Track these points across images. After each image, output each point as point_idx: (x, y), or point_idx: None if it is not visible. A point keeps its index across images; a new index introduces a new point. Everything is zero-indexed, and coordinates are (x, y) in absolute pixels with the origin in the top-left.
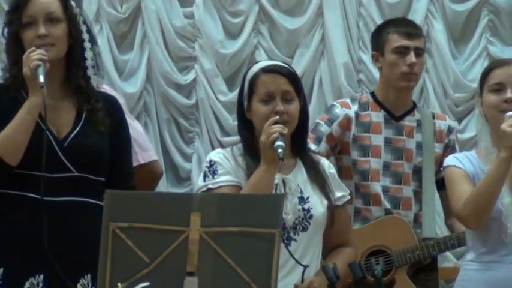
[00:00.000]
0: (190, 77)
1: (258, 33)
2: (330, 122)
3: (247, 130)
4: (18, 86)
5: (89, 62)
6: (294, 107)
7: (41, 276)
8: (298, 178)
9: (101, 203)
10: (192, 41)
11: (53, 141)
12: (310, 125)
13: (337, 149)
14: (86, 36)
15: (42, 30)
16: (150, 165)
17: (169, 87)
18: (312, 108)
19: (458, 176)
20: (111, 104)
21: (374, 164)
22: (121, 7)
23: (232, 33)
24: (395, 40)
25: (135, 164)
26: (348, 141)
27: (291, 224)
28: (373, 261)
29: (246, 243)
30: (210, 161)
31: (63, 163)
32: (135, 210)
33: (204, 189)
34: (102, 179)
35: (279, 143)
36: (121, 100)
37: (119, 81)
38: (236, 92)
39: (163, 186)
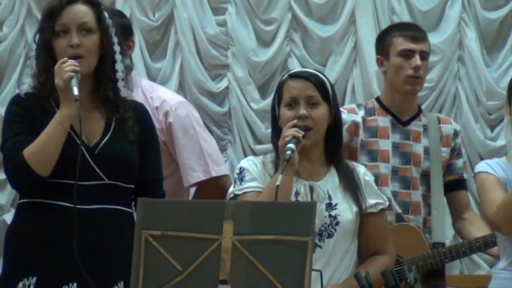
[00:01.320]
0: (222, 84)
1: (290, 41)
2: None
3: (278, 137)
4: (46, 94)
5: (119, 75)
6: (320, 112)
7: (74, 284)
8: (328, 185)
9: (131, 210)
10: (224, 48)
11: (83, 149)
12: None
13: (346, 155)
14: (117, 48)
15: (75, 39)
16: (220, 179)
17: (202, 95)
18: None
19: (490, 182)
20: (140, 112)
21: (383, 168)
22: (153, 15)
23: (264, 41)
24: (400, 43)
25: (206, 177)
26: (356, 146)
27: (317, 231)
28: (406, 268)
29: (278, 251)
30: (240, 168)
31: (94, 171)
32: (167, 218)
33: (231, 195)
34: (133, 186)
35: (289, 145)
36: (194, 113)
37: None
38: (268, 100)
39: None
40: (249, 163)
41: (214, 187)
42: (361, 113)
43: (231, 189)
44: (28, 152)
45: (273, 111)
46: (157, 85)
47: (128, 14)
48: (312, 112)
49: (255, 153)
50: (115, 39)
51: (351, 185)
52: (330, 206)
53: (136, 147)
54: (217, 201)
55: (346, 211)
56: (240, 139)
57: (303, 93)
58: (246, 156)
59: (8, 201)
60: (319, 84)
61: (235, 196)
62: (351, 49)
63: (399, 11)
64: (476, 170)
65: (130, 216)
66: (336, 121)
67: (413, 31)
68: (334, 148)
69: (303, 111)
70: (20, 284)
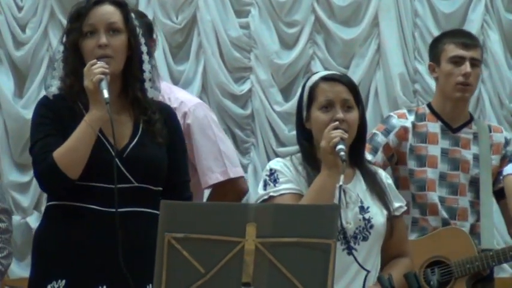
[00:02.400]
0: (245, 87)
1: (313, 43)
2: (386, 133)
3: (306, 139)
4: (74, 96)
5: (147, 75)
6: (354, 115)
7: (104, 287)
8: (358, 188)
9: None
10: (247, 51)
11: (112, 152)
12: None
13: (394, 159)
14: (144, 48)
15: (103, 39)
16: (237, 180)
17: (225, 98)
18: (367, 118)
19: None
20: (167, 114)
21: (430, 174)
22: (176, 17)
23: (287, 44)
24: (451, 50)
25: (225, 178)
26: (405, 151)
27: (352, 234)
28: (429, 271)
29: (301, 254)
30: (271, 170)
31: (123, 174)
32: (190, 220)
33: (266, 197)
34: (161, 188)
35: (340, 146)
36: (212, 115)
37: None
38: (292, 103)
39: None
40: (280, 165)
41: (230, 188)
42: (412, 118)
43: (261, 190)
44: (58, 154)
45: (299, 113)
46: (175, 87)
47: (150, 16)
48: (347, 116)
49: (278, 156)
50: (142, 40)
51: (377, 189)
52: (362, 209)
53: (164, 150)
54: (240, 203)
55: (378, 214)
56: (263, 142)
57: (338, 96)
58: (269, 159)
59: (31, 204)
60: (353, 87)
61: (271, 197)
62: (374, 52)
63: (422, 14)
64: (504, 173)
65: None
66: (361, 124)
67: (465, 38)
68: (358, 151)
69: (340, 114)
70: (49, 287)
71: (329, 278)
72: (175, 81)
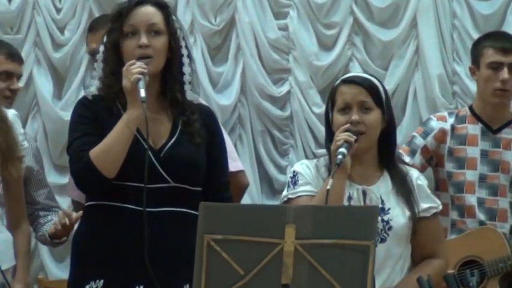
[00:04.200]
0: (284, 89)
1: (352, 45)
2: (425, 135)
3: (331, 141)
4: (113, 96)
5: (186, 78)
6: (372, 117)
7: (141, 287)
8: (381, 189)
9: (197, 213)
10: (286, 53)
11: (149, 152)
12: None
13: (434, 161)
14: (184, 51)
15: (143, 40)
16: (237, 174)
17: (264, 100)
18: (406, 120)
19: None
20: (206, 115)
21: (469, 176)
22: (215, 19)
23: (326, 45)
24: (490, 55)
25: None
26: (443, 153)
27: None
28: (468, 272)
29: (340, 255)
30: (293, 172)
31: (160, 174)
32: (229, 222)
33: (285, 199)
34: (199, 189)
35: (341, 149)
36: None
37: (213, 93)
38: None
39: (258, 198)
40: (303, 167)
41: (231, 182)
42: (451, 120)
43: (284, 192)
44: (94, 153)
45: (327, 116)
46: None
47: (189, 18)
48: (365, 117)
49: (316, 157)
50: (183, 43)
51: (404, 190)
52: (382, 211)
53: (203, 150)
54: (279, 205)
55: (398, 216)
56: (302, 143)
57: (355, 98)
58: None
59: (70, 205)
60: (371, 89)
61: (289, 200)
62: (413, 53)
63: (460, 15)
64: None
65: (197, 219)
66: (389, 126)
67: (505, 42)
68: (387, 153)
69: (355, 116)
70: (87, 287)
71: (368, 279)
72: (214, 83)
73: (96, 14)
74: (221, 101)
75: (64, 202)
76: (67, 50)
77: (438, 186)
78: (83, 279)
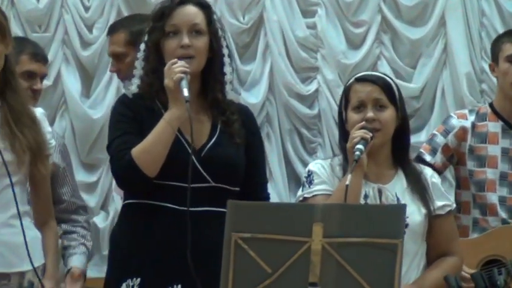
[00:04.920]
0: (312, 87)
1: (380, 43)
2: (445, 133)
3: (345, 141)
4: (153, 94)
5: (227, 77)
6: (387, 114)
7: (179, 286)
8: (397, 187)
9: None
10: (314, 51)
11: (190, 151)
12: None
13: (454, 160)
14: (225, 51)
15: (185, 40)
16: None
17: (292, 98)
18: (434, 118)
19: None
20: (246, 115)
21: (490, 174)
22: (243, 18)
23: (354, 44)
24: (508, 49)
25: None
26: (464, 151)
27: None
28: (496, 271)
29: (368, 254)
30: (308, 171)
31: (200, 173)
32: (257, 220)
33: (300, 199)
34: (238, 189)
35: (358, 146)
36: None
37: (241, 91)
38: None
39: (286, 196)
40: (318, 166)
41: None
42: (472, 118)
43: (299, 192)
44: (136, 151)
45: (340, 115)
46: None
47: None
48: (379, 115)
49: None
50: (224, 43)
51: (419, 187)
52: None
53: (242, 150)
54: (306, 203)
55: (414, 213)
56: (330, 141)
57: (370, 96)
58: None
59: (98, 203)
60: (385, 87)
61: (305, 199)
62: (441, 51)
63: (489, 13)
64: None
65: None
66: (403, 123)
67: None
68: (401, 151)
69: (370, 114)
70: (124, 285)
71: (396, 278)
72: (242, 81)
73: (125, 12)
74: (249, 99)
75: (92, 200)
76: (95, 49)
77: (459, 185)
78: (120, 276)
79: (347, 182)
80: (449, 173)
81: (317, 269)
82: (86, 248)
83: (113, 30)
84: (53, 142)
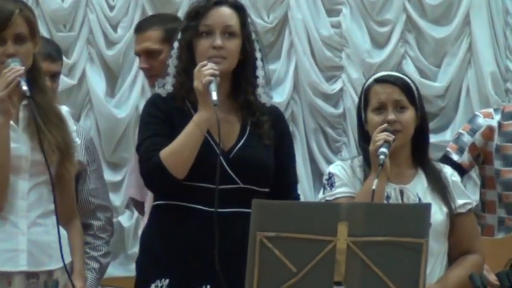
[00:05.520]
0: (337, 86)
1: (405, 42)
2: (472, 132)
3: (366, 142)
4: (184, 94)
5: (260, 81)
6: (408, 115)
7: (208, 287)
8: (418, 187)
9: None
10: (339, 50)
11: (218, 153)
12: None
13: (481, 159)
14: (258, 54)
15: (218, 41)
16: None
17: (316, 97)
18: (459, 117)
19: None
20: (276, 116)
21: None
22: (268, 17)
23: (379, 43)
24: None
25: None
26: (491, 151)
27: None
28: None
29: (393, 253)
30: (329, 174)
31: (229, 175)
32: (282, 219)
33: (323, 201)
34: (267, 190)
35: (382, 149)
36: None
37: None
38: None
39: (310, 195)
40: (338, 168)
41: None
42: (498, 117)
43: (320, 195)
44: (165, 153)
45: (359, 116)
46: None
47: None
48: (400, 116)
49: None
50: (257, 46)
51: (439, 186)
52: None
53: (271, 151)
54: (331, 202)
55: (436, 213)
56: (355, 140)
57: (390, 97)
58: None
59: (123, 203)
60: (405, 87)
61: (327, 202)
62: (466, 50)
63: None
64: None
65: None
66: (422, 123)
67: None
68: (421, 150)
69: (391, 116)
70: (153, 286)
71: (421, 277)
72: (266, 80)
73: (149, 12)
74: (274, 98)
75: (117, 199)
76: (120, 48)
77: (485, 184)
78: (149, 277)
79: (373, 187)
80: (473, 172)
81: (342, 268)
82: (97, 261)
83: (145, 27)
84: (77, 141)
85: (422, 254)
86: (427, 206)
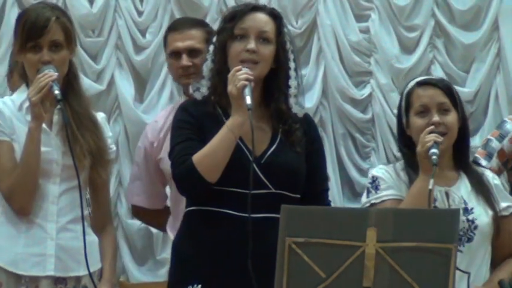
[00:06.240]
0: (366, 91)
1: (433, 47)
2: (500, 138)
3: (407, 146)
4: (215, 99)
5: (292, 91)
6: (451, 118)
7: None
8: (462, 190)
9: None
10: (367, 55)
11: (251, 158)
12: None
13: (509, 164)
14: (292, 64)
15: (251, 45)
16: None
17: (345, 102)
18: (488, 123)
19: None
20: (307, 123)
21: None
22: (296, 22)
23: (408, 48)
24: None
25: None
26: None
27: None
28: None
29: (422, 259)
30: (373, 177)
31: (261, 180)
32: (311, 225)
33: (367, 204)
34: (298, 196)
35: (433, 150)
36: None
37: None
38: None
39: (339, 201)
40: (382, 171)
41: None
42: None
43: (364, 198)
44: (197, 157)
45: (399, 120)
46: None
47: None
48: (444, 119)
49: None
50: (291, 56)
51: (483, 189)
52: (466, 211)
53: (302, 158)
54: (360, 208)
55: (482, 215)
56: (384, 146)
57: (434, 100)
58: (389, 163)
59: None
60: (448, 90)
61: (372, 205)
62: (494, 56)
63: None
64: None
65: None
66: (463, 126)
67: None
68: (463, 153)
69: (436, 118)
70: None
71: (450, 282)
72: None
73: (177, 16)
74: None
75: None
76: (148, 53)
77: None
78: (181, 282)
79: (430, 186)
80: (502, 178)
81: (371, 274)
82: None
83: (187, 26)
84: (113, 147)
85: (451, 259)
86: (456, 212)
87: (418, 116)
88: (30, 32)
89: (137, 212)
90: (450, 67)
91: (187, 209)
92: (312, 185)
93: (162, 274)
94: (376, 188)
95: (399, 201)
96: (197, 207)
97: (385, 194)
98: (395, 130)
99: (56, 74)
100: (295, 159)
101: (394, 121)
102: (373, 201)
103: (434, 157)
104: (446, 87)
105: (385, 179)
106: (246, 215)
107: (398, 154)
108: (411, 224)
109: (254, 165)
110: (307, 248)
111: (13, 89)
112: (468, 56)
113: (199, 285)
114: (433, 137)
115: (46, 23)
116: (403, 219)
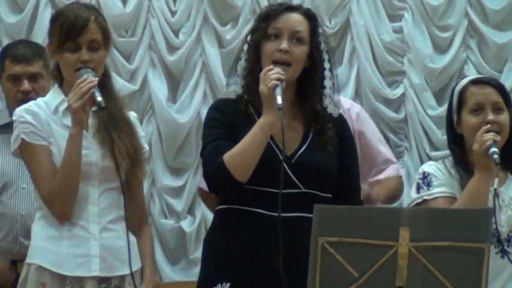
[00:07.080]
0: (399, 91)
1: (467, 47)
2: None
3: (457, 144)
4: (248, 98)
5: (327, 91)
6: (504, 117)
7: None
8: (510, 190)
9: None
10: (400, 55)
11: (281, 157)
12: None
13: None
14: (327, 65)
15: (284, 45)
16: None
17: (378, 102)
18: None
19: None
20: (339, 123)
21: None
22: (330, 22)
23: (441, 48)
24: None
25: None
26: None
27: (505, 236)
28: None
29: (454, 258)
30: (424, 173)
31: (291, 180)
32: (343, 224)
33: (419, 200)
34: (329, 195)
35: (493, 149)
36: None
37: None
38: (445, 107)
39: None
40: (434, 168)
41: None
42: None
43: (414, 194)
44: (228, 156)
45: (449, 118)
46: None
47: None
48: (498, 118)
49: (431, 160)
50: (326, 56)
51: None
52: None
53: (334, 157)
54: (393, 207)
55: None
56: (417, 145)
57: (488, 99)
58: (422, 162)
59: (185, 208)
60: (502, 89)
61: (424, 201)
62: None
63: None
64: None
65: None
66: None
67: None
68: (510, 153)
69: (491, 116)
70: None
71: (482, 282)
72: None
73: (211, 17)
74: None
75: (179, 204)
76: (182, 53)
77: None
78: (211, 280)
79: (495, 186)
80: None
81: (404, 273)
82: None
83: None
84: (146, 147)
85: (484, 258)
86: (489, 211)
87: (471, 114)
88: (69, 32)
89: (206, 196)
90: (483, 67)
91: (219, 207)
92: (344, 185)
93: (195, 273)
94: (428, 185)
95: (452, 198)
96: (228, 205)
97: (438, 191)
98: (428, 130)
99: (97, 79)
100: (326, 158)
101: (427, 121)
102: (425, 198)
103: (495, 156)
104: (500, 87)
105: (437, 175)
106: (276, 214)
107: (431, 153)
108: (443, 223)
109: (285, 165)
110: (340, 247)
111: (3, 90)
112: (501, 56)
113: (228, 284)
114: (491, 135)
115: (85, 22)
116: (435, 219)
